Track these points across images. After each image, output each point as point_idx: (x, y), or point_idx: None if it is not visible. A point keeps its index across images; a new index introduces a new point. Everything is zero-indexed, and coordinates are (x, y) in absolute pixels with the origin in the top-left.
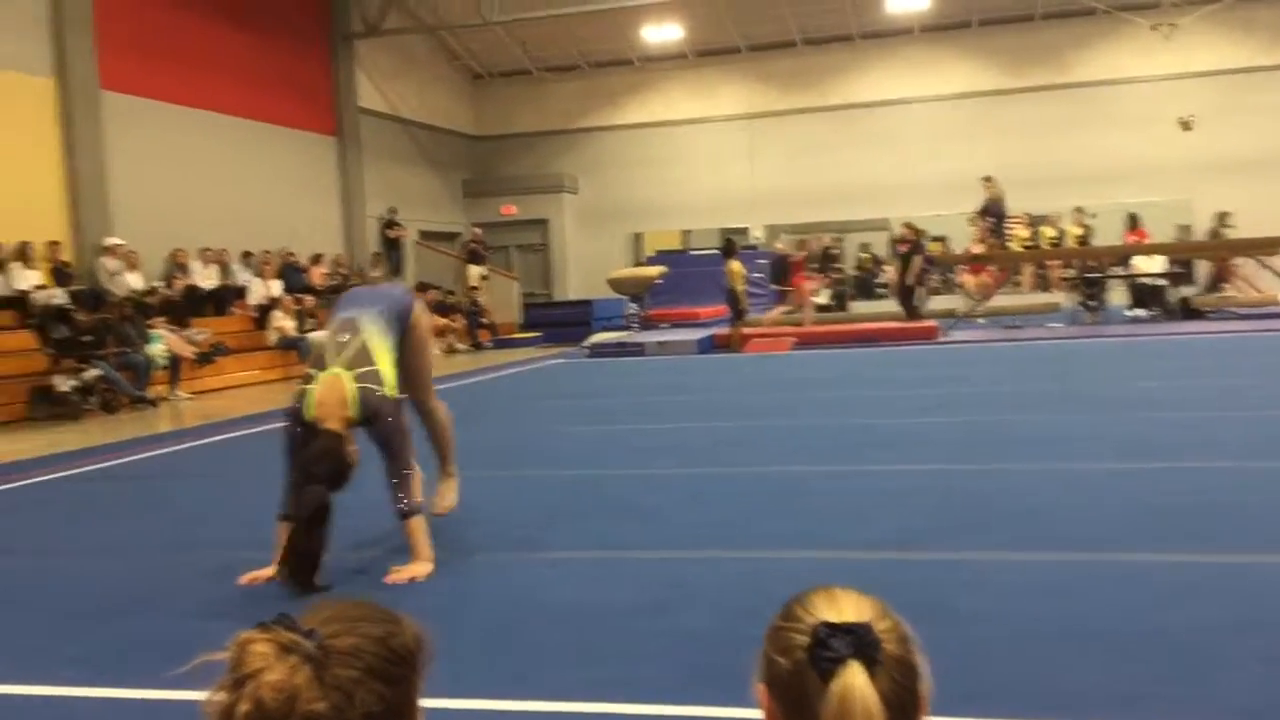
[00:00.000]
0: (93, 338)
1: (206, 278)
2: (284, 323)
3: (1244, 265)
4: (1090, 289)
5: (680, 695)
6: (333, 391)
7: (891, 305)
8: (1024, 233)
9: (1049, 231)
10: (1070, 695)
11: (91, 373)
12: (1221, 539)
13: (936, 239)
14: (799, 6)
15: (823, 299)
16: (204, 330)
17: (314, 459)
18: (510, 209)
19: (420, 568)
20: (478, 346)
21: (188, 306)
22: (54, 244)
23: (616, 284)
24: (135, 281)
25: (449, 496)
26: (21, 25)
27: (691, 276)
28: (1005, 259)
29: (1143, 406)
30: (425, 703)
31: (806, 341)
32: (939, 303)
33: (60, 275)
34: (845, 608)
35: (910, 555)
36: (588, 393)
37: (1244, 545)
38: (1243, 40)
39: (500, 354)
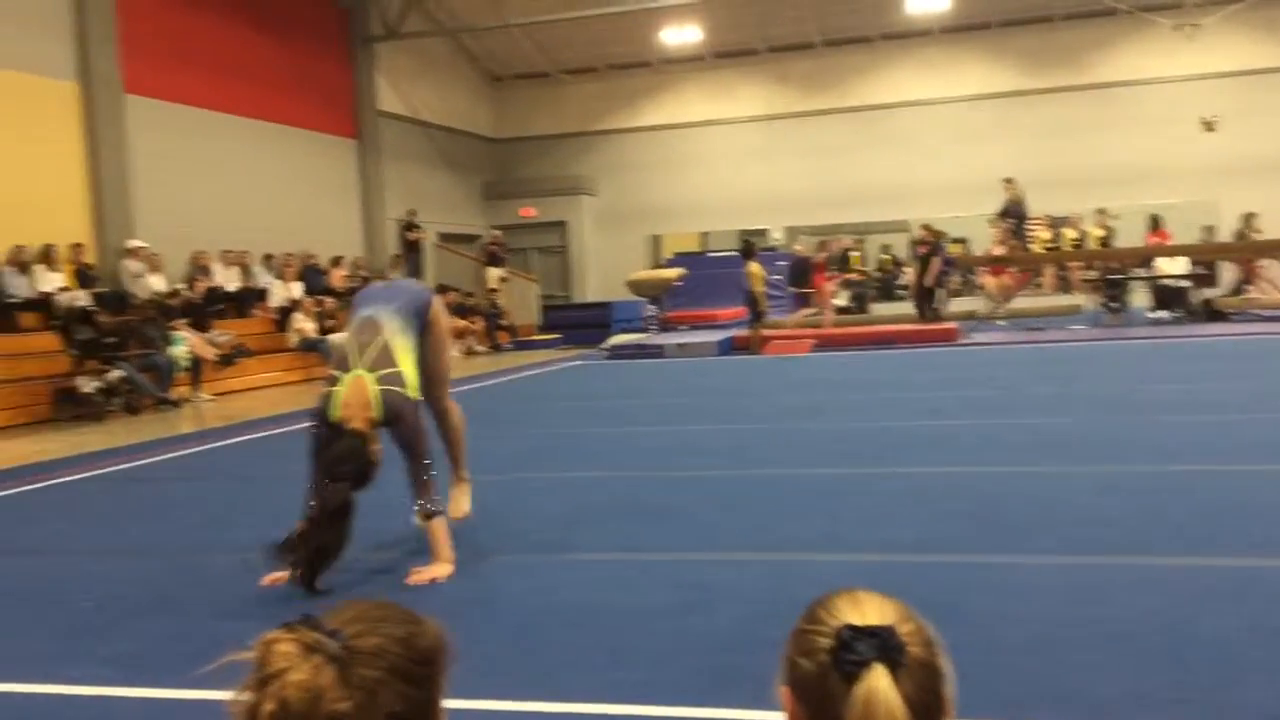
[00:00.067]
0: (116, 339)
1: (228, 280)
2: (304, 324)
3: (1270, 267)
4: (1112, 291)
5: (703, 697)
6: (357, 393)
7: (912, 308)
8: (1046, 234)
9: (1070, 233)
10: (1093, 699)
11: (115, 374)
12: (1245, 543)
13: (957, 241)
14: (818, 8)
15: (841, 300)
16: (226, 332)
17: (338, 458)
18: (529, 211)
19: (441, 569)
20: (497, 348)
21: (209, 308)
22: (77, 246)
23: (635, 286)
24: (158, 283)
25: (463, 502)
26: (45, 30)
27: (710, 278)
28: (1026, 261)
29: (1165, 409)
30: (448, 703)
31: (826, 343)
32: (960, 304)
33: (84, 277)
34: (869, 611)
35: (932, 558)
36: (607, 394)
37: (1269, 550)
38: (1266, 40)
39: (519, 356)
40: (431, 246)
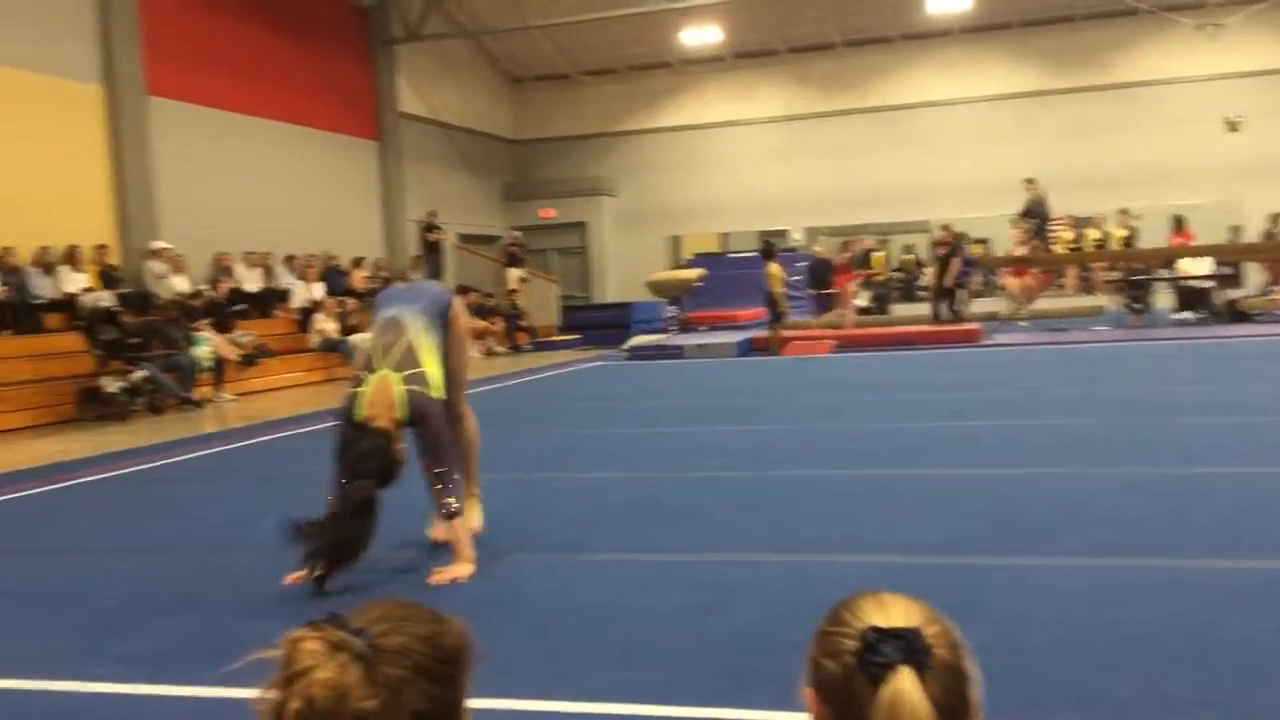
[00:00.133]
0: (139, 340)
1: (250, 281)
2: (326, 325)
3: None
4: (1135, 292)
5: (722, 698)
6: (382, 394)
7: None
8: (1068, 235)
9: (1093, 234)
10: (1116, 701)
11: (138, 374)
12: (1270, 545)
13: (978, 241)
14: (839, 8)
15: (862, 300)
16: (248, 333)
17: (362, 456)
18: (549, 212)
19: (462, 569)
20: (517, 349)
21: (232, 309)
22: (101, 247)
23: (655, 287)
24: (181, 284)
25: (474, 517)
26: (70, 33)
27: (730, 279)
28: (1048, 261)
29: (1188, 411)
30: (470, 702)
31: (847, 344)
32: (981, 305)
33: (108, 278)
34: (894, 613)
35: (953, 559)
36: (627, 395)
37: None
38: None
39: (539, 356)
40: (452, 247)
